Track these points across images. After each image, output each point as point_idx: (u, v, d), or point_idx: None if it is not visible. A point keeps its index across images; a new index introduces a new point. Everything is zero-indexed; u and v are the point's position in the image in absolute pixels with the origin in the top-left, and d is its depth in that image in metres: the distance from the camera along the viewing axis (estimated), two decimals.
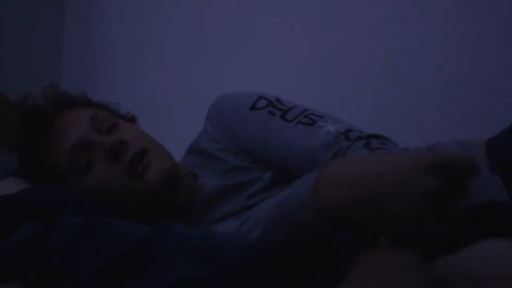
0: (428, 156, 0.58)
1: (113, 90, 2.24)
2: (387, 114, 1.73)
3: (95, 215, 0.88)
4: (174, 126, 2.02)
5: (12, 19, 2.11)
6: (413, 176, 0.57)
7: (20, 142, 1.02)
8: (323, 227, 0.66)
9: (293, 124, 0.90)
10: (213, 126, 1.01)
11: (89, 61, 2.31)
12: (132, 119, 1.13)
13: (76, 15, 2.34)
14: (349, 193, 0.61)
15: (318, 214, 0.64)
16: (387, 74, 1.75)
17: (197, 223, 1.01)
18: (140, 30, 2.23)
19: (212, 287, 0.71)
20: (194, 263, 0.73)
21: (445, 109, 1.67)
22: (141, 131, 1.04)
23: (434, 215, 0.56)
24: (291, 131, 0.90)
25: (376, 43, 1.77)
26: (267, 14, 1.96)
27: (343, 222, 0.62)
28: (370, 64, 1.78)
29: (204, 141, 1.03)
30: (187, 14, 2.13)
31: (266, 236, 0.75)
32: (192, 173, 1.06)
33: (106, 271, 0.74)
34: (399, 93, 1.73)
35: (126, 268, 0.75)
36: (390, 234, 0.59)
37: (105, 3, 2.31)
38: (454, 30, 1.66)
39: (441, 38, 1.68)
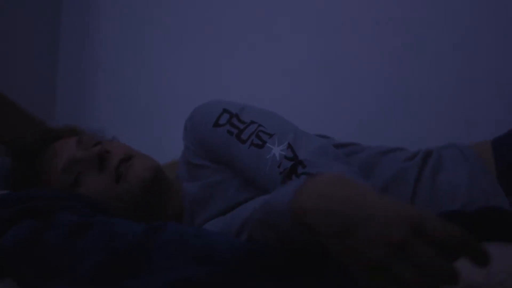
0: (413, 212, 0.58)
1: (110, 92, 2.24)
2: (386, 114, 1.73)
3: (92, 213, 0.88)
4: (172, 128, 2.02)
5: (9, 24, 2.11)
6: (390, 222, 0.57)
7: (13, 173, 1.08)
8: (301, 236, 0.66)
9: (247, 146, 0.92)
10: (188, 138, 1.04)
11: (85, 63, 2.31)
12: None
13: (72, 18, 2.34)
14: (327, 210, 0.62)
15: (295, 223, 0.65)
16: (387, 74, 1.75)
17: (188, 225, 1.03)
18: (138, 31, 2.22)
19: (208, 287, 0.71)
20: (190, 262, 0.74)
21: (446, 109, 1.67)
22: (124, 144, 1.09)
23: (399, 266, 0.55)
24: (246, 153, 0.92)
25: (376, 43, 1.77)
26: (266, 14, 1.96)
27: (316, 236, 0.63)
28: (369, 64, 1.77)
29: (185, 152, 1.07)
30: (186, 14, 2.13)
31: (254, 237, 0.76)
32: (177, 180, 1.09)
33: (102, 268, 0.75)
34: (399, 93, 1.73)
35: (122, 266, 0.75)
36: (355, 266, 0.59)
37: (101, 5, 2.31)
38: (454, 30, 1.66)
39: (441, 38, 1.68)
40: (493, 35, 1.61)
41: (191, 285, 0.71)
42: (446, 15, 1.67)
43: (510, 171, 0.95)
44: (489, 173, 0.97)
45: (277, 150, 0.89)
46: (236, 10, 2.03)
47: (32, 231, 0.80)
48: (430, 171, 0.98)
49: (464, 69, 1.65)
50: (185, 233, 0.78)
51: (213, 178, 1.01)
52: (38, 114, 1.18)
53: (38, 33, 2.25)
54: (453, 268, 0.53)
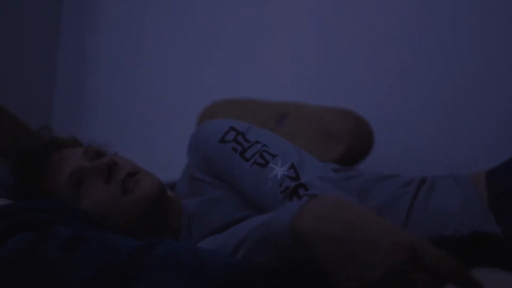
0: (409, 239, 0.62)
1: (108, 97, 2.25)
2: (394, 124, 1.75)
3: (87, 226, 0.90)
4: (170, 133, 2.04)
5: (7, 32, 2.12)
6: (387, 247, 0.61)
7: (18, 178, 1.09)
8: (303, 254, 0.68)
9: (250, 164, 0.94)
10: (192, 154, 1.06)
11: (83, 73, 2.32)
12: None
13: (71, 25, 2.36)
14: (326, 233, 0.64)
15: (296, 243, 0.67)
16: (398, 86, 1.78)
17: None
18: (137, 36, 2.24)
19: None
20: (183, 278, 0.75)
21: (456, 121, 1.70)
22: (129, 159, 1.10)
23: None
24: (248, 171, 0.94)
25: (387, 54, 1.79)
26: (273, 24, 1.98)
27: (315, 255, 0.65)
28: (380, 75, 1.80)
29: (188, 167, 1.09)
30: (185, 25, 2.14)
31: (251, 256, 0.78)
32: (177, 196, 1.11)
33: (95, 282, 0.75)
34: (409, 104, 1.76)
35: (116, 280, 0.76)
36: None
37: (99, 13, 2.33)
38: (465, 41, 1.69)
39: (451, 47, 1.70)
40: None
41: None
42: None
43: (501, 200, 0.97)
44: (482, 200, 0.98)
45: (279, 170, 0.90)
46: (235, 23, 2.05)
47: (29, 243, 0.81)
48: (424, 196, 1.00)
49: (473, 81, 1.68)
50: (179, 250, 0.79)
51: (213, 194, 1.03)
52: (34, 123, 1.19)
53: (36, 39, 2.26)
54: None
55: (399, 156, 1.74)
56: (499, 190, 0.98)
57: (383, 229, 0.63)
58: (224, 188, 1.02)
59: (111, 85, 2.26)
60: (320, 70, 1.88)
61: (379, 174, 1.07)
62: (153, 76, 2.18)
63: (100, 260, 0.77)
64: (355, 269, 0.61)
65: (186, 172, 1.10)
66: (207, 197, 1.03)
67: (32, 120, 1.28)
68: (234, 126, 1.00)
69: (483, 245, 0.77)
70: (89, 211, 0.98)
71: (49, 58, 2.30)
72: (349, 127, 1.48)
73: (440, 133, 1.72)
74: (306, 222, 0.66)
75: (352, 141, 1.47)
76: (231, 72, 2.03)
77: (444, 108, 1.72)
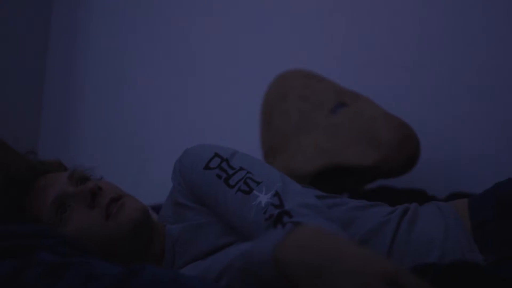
0: (389, 268, 0.62)
1: (94, 120, 2.25)
2: None
3: (71, 252, 0.89)
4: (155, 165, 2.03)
5: None
6: (368, 277, 0.62)
7: (2, 202, 1.07)
8: (284, 284, 0.68)
9: (234, 191, 0.94)
10: (177, 179, 1.06)
11: (69, 97, 2.32)
12: None
13: (58, 46, 2.37)
14: (307, 263, 0.65)
15: (278, 272, 0.68)
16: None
17: (169, 268, 1.04)
18: (120, 60, 2.26)
19: None
20: None
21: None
22: (113, 183, 1.11)
23: None
24: (233, 198, 0.94)
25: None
26: (258, 50, 2.00)
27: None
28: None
29: (173, 192, 1.09)
30: (171, 44, 2.16)
31: (234, 285, 0.78)
32: (161, 221, 1.11)
33: None
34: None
35: None
36: None
37: (87, 33, 2.34)
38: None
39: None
40: None
41: None
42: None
43: (483, 229, 0.98)
44: (465, 229, 0.99)
45: (264, 198, 0.90)
46: (219, 42, 2.06)
47: (11, 270, 0.81)
48: (407, 224, 1.00)
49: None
50: (161, 277, 0.79)
51: (197, 220, 1.03)
52: (21, 146, 1.19)
53: (24, 61, 2.27)
54: None
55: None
56: (482, 218, 0.99)
57: (364, 258, 0.64)
58: (207, 214, 1.02)
59: (97, 108, 2.26)
60: None
61: (363, 203, 1.07)
62: (140, 100, 2.19)
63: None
64: None
65: (171, 197, 1.10)
66: (190, 223, 1.03)
67: (18, 141, 1.28)
68: (218, 152, 1.00)
69: (466, 273, 0.77)
70: (73, 237, 0.98)
71: (36, 81, 2.31)
72: (394, 140, 1.43)
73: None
74: (287, 252, 0.67)
75: (389, 154, 1.43)
76: (218, 90, 2.04)
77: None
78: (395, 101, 1.67)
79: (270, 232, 0.81)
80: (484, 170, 1.64)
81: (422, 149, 1.49)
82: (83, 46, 2.34)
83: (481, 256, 0.95)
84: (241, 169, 0.96)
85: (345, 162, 1.45)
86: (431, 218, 1.01)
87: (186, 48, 2.13)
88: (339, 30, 1.89)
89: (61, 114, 2.32)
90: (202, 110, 2.06)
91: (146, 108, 2.17)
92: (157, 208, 1.31)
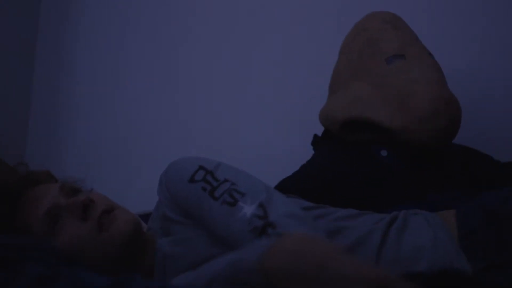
0: (378, 274, 0.63)
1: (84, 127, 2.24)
2: None
3: (59, 263, 0.89)
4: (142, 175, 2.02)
5: None
6: (355, 283, 0.62)
7: None
8: None
9: (219, 203, 0.95)
10: (163, 193, 1.06)
11: (58, 108, 2.31)
12: None
13: (46, 53, 2.35)
14: (295, 270, 0.65)
15: (265, 281, 0.68)
16: None
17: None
18: (112, 65, 2.25)
19: None
20: None
21: None
22: (104, 195, 1.10)
23: None
24: (218, 210, 0.95)
25: None
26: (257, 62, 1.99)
27: None
28: None
29: (159, 205, 1.10)
30: (162, 55, 2.16)
31: None
32: (150, 233, 1.11)
33: None
34: None
35: None
36: None
37: (76, 40, 2.32)
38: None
39: None
40: None
41: None
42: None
43: (470, 238, 0.98)
44: (452, 238, 1.00)
45: (248, 209, 0.91)
46: (211, 48, 2.06)
47: None
48: (395, 232, 1.01)
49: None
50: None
51: (184, 233, 1.03)
52: (9, 152, 1.18)
53: (12, 69, 2.25)
54: None
55: None
56: (469, 228, 0.99)
57: (352, 265, 0.64)
58: (194, 227, 1.03)
59: (86, 114, 2.25)
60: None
61: (352, 212, 1.08)
62: (131, 104, 2.18)
63: None
64: None
65: (157, 210, 1.10)
66: (180, 237, 1.04)
67: (7, 147, 1.27)
68: (203, 165, 1.01)
69: (455, 282, 0.78)
70: (63, 248, 0.97)
71: (24, 87, 2.29)
72: (424, 111, 1.29)
73: None
74: (275, 260, 0.67)
75: (411, 125, 1.29)
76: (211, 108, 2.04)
77: None
78: None
79: (256, 242, 0.82)
80: None
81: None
82: (72, 51, 2.32)
83: (469, 265, 0.95)
84: (225, 180, 0.97)
85: (375, 118, 1.34)
86: (419, 228, 1.02)
87: (176, 54, 2.13)
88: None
89: (49, 121, 2.30)
90: (193, 117, 2.05)
91: (136, 114, 2.16)
92: (146, 217, 1.30)
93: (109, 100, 2.22)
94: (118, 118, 2.19)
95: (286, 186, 1.28)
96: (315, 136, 1.51)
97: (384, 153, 1.37)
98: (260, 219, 0.89)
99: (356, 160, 1.37)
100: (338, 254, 0.66)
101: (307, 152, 1.49)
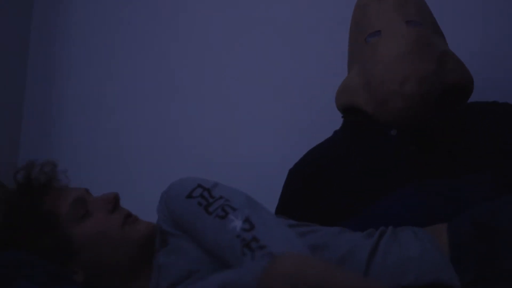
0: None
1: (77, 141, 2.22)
2: None
3: (51, 282, 0.90)
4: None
5: None
6: None
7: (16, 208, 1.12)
8: None
9: (212, 217, 0.98)
10: (162, 210, 1.10)
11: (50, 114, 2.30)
12: None
13: (39, 53, 2.33)
14: None
15: None
16: None
17: None
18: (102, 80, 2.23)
19: None
20: None
21: None
22: None
23: None
24: (210, 224, 0.98)
25: None
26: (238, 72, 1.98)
27: None
28: None
29: (158, 222, 1.13)
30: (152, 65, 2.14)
31: None
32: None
33: None
34: None
35: None
36: None
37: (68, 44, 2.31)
38: None
39: None
40: None
41: None
42: None
43: (460, 250, 1.00)
44: (441, 251, 1.01)
45: (238, 222, 0.94)
46: (202, 61, 2.05)
47: None
48: (384, 245, 1.02)
49: None
50: None
51: (177, 243, 1.07)
52: (1, 156, 1.18)
53: (4, 68, 2.23)
54: None
55: None
56: (459, 240, 1.01)
57: (351, 279, 0.67)
58: (188, 239, 1.06)
59: (81, 114, 2.23)
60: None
61: (338, 229, 1.10)
62: (127, 105, 2.16)
63: None
64: None
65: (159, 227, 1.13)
66: (173, 246, 1.07)
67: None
68: (201, 183, 1.05)
69: None
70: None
71: (17, 91, 2.27)
72: (379, 94, 1.24)
73: None
74: (275, 285, 0.69)
75: (375, 109, 1.26)
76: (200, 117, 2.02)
77: None
78: None
79: (250, 261, 0.84)
80: None
81: None
82: (65, 51, 2.31)
83: (457, 277, 0.97)
84: (220, 197, 1.01)
85: (358, 105, 1.30)
86: (407, 241, 1.03)
87: (169, 67, 2.11)
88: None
89: (42, 121, 2.28)
90: (191, 117, 2.03)
91: (132, 115, 2.14)
92: None
93: (103, 100, 2.20)
94: (112, 120, 2.17)
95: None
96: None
97: (394, 132, 1.31)
98: (247, 231, 0.91)
99: (358, 143, 1.36)
100: (335, 271, 0.68)
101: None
